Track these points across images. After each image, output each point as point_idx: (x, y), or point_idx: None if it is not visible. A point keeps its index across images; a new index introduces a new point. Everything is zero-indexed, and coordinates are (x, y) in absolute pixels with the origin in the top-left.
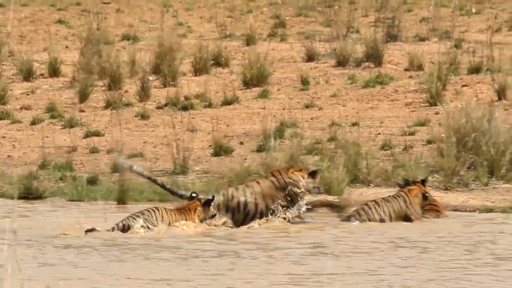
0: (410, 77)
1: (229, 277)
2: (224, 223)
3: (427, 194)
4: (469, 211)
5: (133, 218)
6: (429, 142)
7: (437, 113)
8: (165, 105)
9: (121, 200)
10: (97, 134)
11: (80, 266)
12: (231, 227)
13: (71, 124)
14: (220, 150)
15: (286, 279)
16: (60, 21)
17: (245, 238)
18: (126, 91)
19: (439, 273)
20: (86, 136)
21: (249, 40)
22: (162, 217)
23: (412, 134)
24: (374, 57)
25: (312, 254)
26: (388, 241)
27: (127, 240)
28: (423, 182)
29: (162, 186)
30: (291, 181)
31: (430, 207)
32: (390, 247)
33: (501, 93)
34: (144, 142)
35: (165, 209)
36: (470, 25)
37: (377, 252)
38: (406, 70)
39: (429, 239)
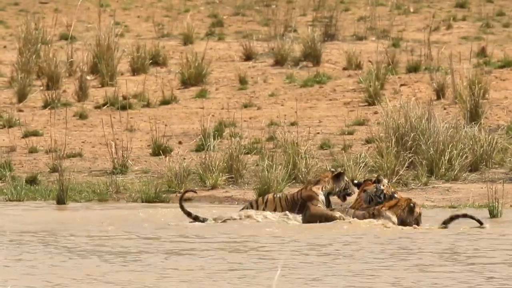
0: (349, 76)
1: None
2: None
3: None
4: None
5: None
6: (368, 141)
7: (375, 113)
8: (104, 104)
9: (60, 200)
10: (35, 134)
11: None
12: None
13: (9, 124)
14: (159, 150)
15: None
16: None
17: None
18: (64, 91)
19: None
20: (25, 136)
21: (187, 40)
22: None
23: (350, 133)
24: (312, 56)
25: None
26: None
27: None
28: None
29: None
30: None
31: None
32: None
33: (439, 92)
34: (83, 142)
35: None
36: (408, 24)
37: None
38: (344, 69)
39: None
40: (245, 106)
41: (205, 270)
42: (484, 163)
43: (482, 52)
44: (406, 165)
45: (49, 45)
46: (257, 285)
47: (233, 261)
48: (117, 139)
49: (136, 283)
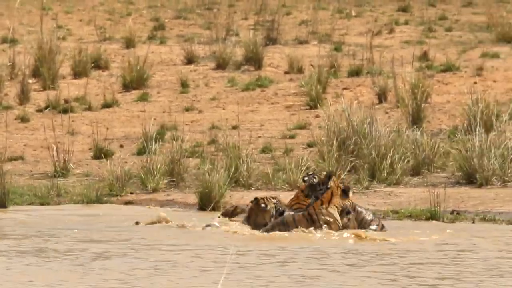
0: (290, 80)
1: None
2: None
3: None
4: None
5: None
6: (309, 145)
7: (317, 116)
8: (45, 108)
9: (2, 203)
10: None
11: None
12: None
13: None
14: (100, 153)
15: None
16: None
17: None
18: (6, 94)
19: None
20: None
21: (129, 43)
22: None
23: (292, 137)
24: (253, 60)
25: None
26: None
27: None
28: None
29: None
30: None
31: (298, 206)
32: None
33: (381, 96)
34: (25, 145)
35: None
36: (350, 28)
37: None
38: (286, 73)
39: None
40: (187, 110)
41: None
42: (426, 167)
43: (424, 56)
44: (348, 169)
45: None
46: None
47: None
48: (58, 142)
49: None
